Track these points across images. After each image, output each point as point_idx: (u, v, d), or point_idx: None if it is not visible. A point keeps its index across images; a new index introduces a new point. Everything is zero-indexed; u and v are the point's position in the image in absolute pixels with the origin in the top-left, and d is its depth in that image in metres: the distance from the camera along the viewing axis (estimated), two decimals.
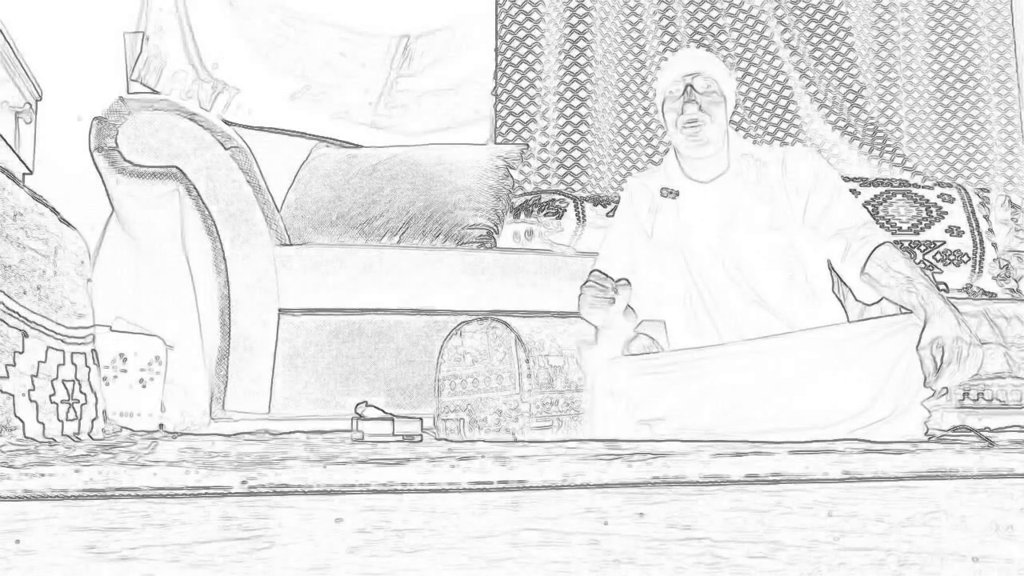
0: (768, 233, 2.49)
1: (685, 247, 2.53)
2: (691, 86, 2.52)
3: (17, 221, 2.09)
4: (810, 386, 2.22)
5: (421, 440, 2.36)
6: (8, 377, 1.94)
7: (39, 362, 2.04)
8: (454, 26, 4.04)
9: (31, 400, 1.99)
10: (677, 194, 2.56)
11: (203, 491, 1.53)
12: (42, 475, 1.50)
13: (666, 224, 2.57)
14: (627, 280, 2.45)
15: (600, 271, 2.51)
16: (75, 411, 2.13)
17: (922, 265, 3.29)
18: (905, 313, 2.30)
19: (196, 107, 3.15)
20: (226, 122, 3.15)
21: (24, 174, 3.35)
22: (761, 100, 4.16)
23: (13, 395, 1.94)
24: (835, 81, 4.20)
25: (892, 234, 3.27)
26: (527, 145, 3.60)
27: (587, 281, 2.45)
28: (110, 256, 2.83)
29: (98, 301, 2.43)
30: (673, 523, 1.62)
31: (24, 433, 1.95)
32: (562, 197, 3.37)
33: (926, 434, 2.19)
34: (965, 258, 3.33)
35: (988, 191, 3.62)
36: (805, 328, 2.35)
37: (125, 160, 2.73)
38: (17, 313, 2.00)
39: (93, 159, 2.76)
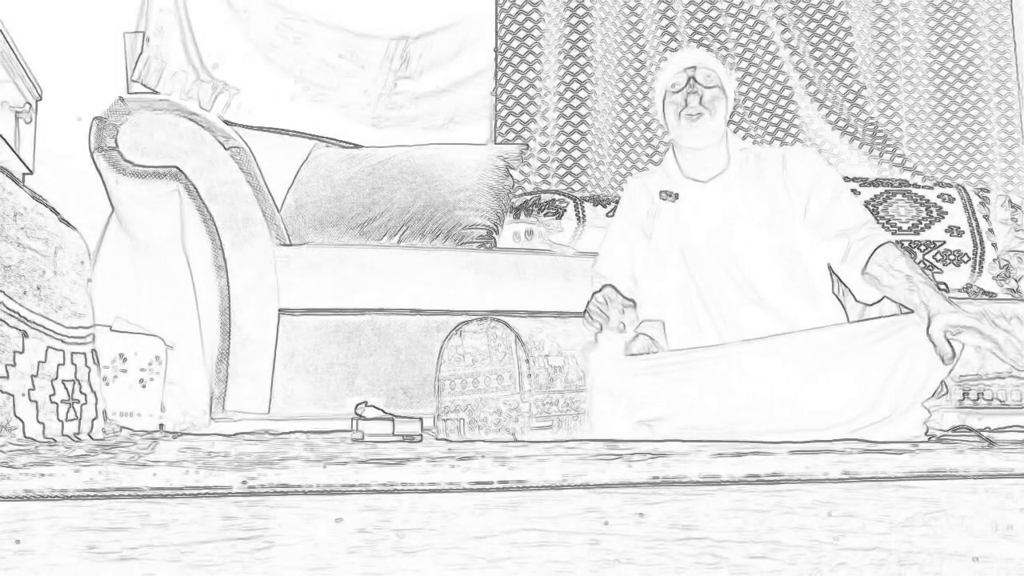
0: (768, 232, 2.49)
1: (684, 247, 2.53)
2: (694, 78, 2.53)
3: (17, 221, 2.09)
4: (810, 387, 2.22)
5: (421, 440, 2.36)
6: (8, 377, 1.94)
7: (39, 362, 2.04)
8: (454, 26, 4.04)
9: (31, 400, 1.99)
10: (676, 197, 2.56)
11: (203, 491, 1.52)
12: (42, 475, 1.50)
13: (665, 226, 2.57)
14: (633, 302, 2.47)
15: (613, 287, 2.50)
16: (75, 411, 2.13)
17: (922, 265, 3.29)
18: (906, 313, 2.30)
19: (196, 107, 3.15)
20: (226, 122, 3.15)
21: (24, 174, 3.35)
22: (761, 100, 4.16)
23: (13, 395, 1.94)
24: (835, 81, 4.20)
25: (892, 234, 3.27)
26: (527, 145, 3.60)
27: (593, 297, 2.46)
28: (110, 256, 2.82)
29: (98, 301, 2.43)
30: (673, 523, 1.62)
31: (24, 433, 1.95)
32: (562, 197, 3.37)
33: (926, 434, 2.19)
34: (965, 258, 3.33)
35: (988, 191, 3.62)
36: (805, 328, 2.34)
37: (125, 160, 2.73)
38: (17, 313, 2.00)
39: (93, 159, 2.76)
